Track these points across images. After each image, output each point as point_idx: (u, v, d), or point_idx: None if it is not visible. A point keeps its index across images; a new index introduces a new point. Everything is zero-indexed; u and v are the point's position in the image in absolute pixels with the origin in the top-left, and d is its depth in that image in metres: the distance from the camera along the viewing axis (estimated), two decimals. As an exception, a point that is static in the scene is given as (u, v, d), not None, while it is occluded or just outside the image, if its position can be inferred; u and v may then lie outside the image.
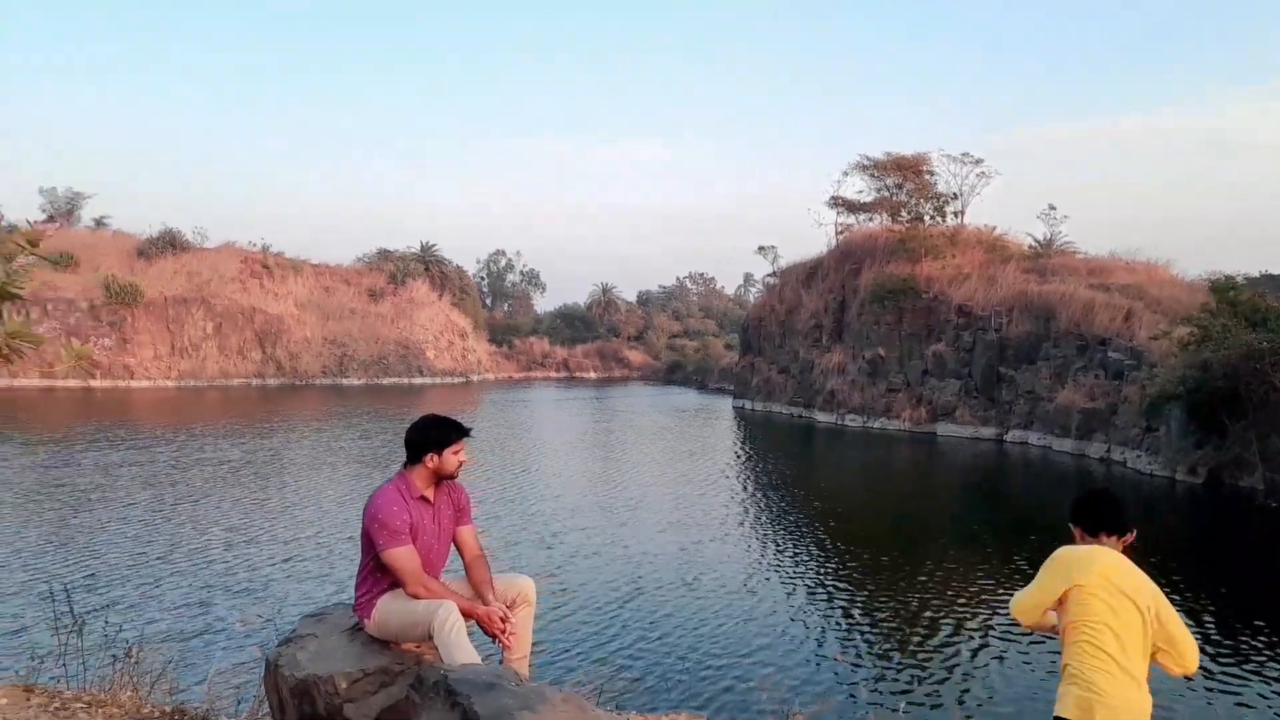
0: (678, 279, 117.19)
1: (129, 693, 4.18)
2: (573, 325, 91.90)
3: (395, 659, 3.62)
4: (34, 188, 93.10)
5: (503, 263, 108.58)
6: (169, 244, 64.25)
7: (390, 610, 3.71)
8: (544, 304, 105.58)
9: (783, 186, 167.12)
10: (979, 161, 42.99)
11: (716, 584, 14.09)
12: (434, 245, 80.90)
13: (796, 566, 15.51)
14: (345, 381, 64.04)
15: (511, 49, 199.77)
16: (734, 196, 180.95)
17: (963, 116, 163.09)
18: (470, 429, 4.08)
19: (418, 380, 66.97)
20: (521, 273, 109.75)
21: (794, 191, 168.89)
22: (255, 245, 68.29)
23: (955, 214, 43.69)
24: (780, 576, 14.82)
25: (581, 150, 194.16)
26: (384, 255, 78.31)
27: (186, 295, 61.27)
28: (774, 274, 57.64)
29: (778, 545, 17.17)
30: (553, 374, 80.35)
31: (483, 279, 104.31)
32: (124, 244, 64.07)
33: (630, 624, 11.95)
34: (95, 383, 54.30)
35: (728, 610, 12.70)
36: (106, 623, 6.19)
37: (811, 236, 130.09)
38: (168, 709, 4.01)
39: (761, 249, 60.49)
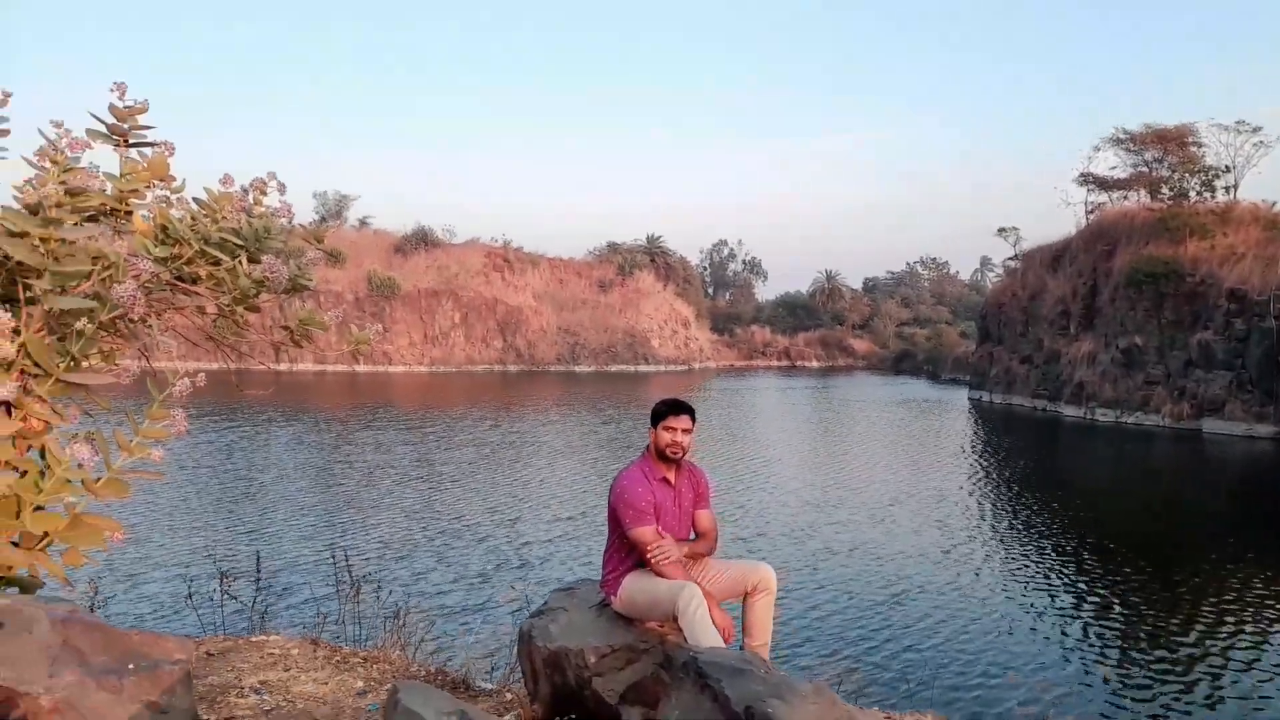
0: (908, 264, 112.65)
1: (398, 652, 4.54)
2: (795, 313, 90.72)
3: (640, 637, 3.70)
4: (309, 191, 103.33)
5: (725, 252, 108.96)
6: (422, 241, 69.60)
7: (635, 589, 3.78)
8: (766, 292, 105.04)
9: (1025, 165, 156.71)
10: (1256, 129, 38.26)
11: (971, 588, 13.42)
12: (659, 237, 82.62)
13: (1056, 574, 14.47)
14: (577, 368, 66.81)
15: (731, 47, 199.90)
16: (971, 177, 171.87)
17: (1238, 85, 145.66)
18: (687, 405, 4.02)
19: (643, 368, 68.72)
20: (744, 261, 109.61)
21: (1037, 170, 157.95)
22: (497, 241, 72.81)
23: (1226, 189, 39.09)
24: (1040, 584, 13.89)
25: (811, 134, 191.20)
26: (613, 248, 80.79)
27: (437, 288, 66.17)
28: (1015, 257, 54.10)
29: (1037, 550, 16.07)
30: (774, 362, 79.78)
31: (705, 268, 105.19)
32: (384, 242, 70.01)
33: (877, 620, 11.63)
34: (359, 367, 59.74)
35: (983, 615, 12.07)
36: (379, 587, 6.80)
37: (1057, 217, 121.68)
38: (431, 669, 4.32)
39: (1001, 231, 56.47)
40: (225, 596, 5.05)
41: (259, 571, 5.73)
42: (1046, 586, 13.68)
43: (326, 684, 3.98)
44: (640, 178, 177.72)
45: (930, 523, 17.74)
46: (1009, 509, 20.10)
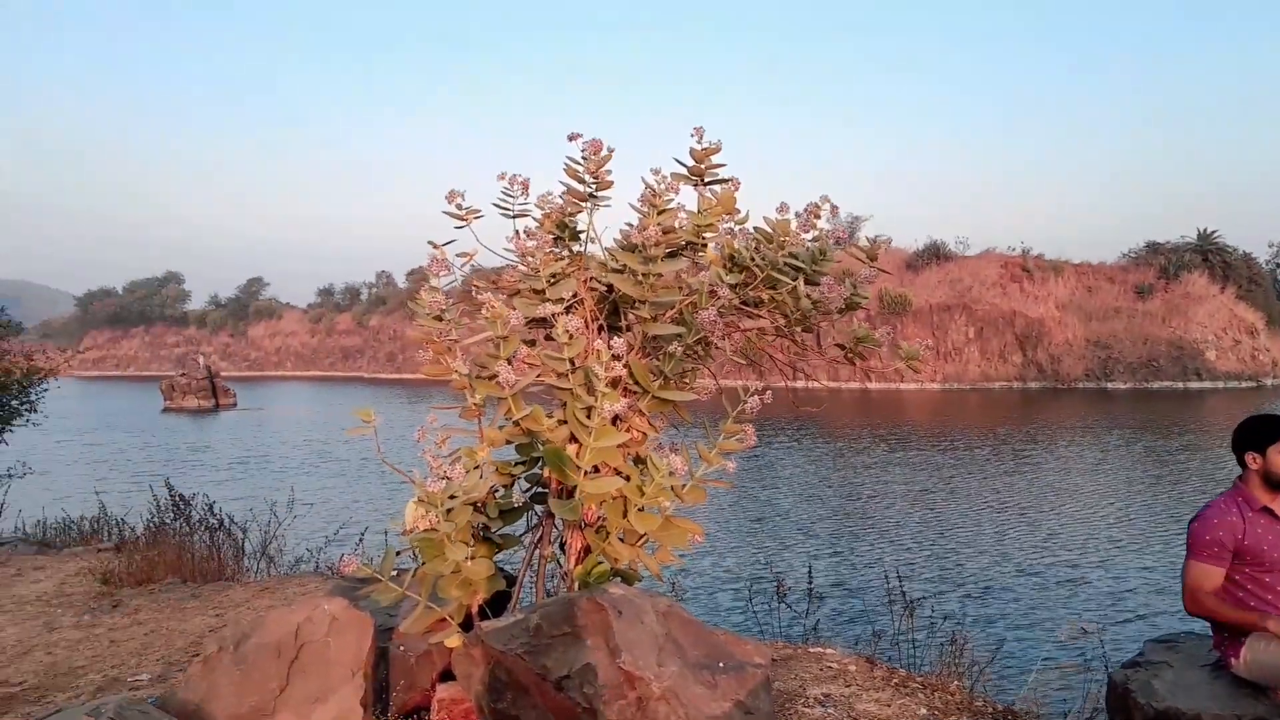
0: None
1: (956, 682, 4.32)
2: None
3: (1274, 708, 3.04)
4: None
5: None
6: (934, 255, 68.50)
7: (1263, 650, 3.12)
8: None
9: None
10: None
11: None
12: (1214, 232, 70.88)
13: None
14: (1109, 385, 60.06)
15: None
16: None
17: None
18: None
19: (1193, 384, 59.33)
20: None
21: None
22: (1014, 249, 68.86)
23: None
24: None
25: None
26: (1153, 249, 71.42)
27: (949, 302, 64.44)
28: None
29: None
30: (1381, 377, 63.49)
31: (1277, 266, 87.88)
32: (895, 258, 70.11)
33: None
34: (871, 385, 60.30)
35: None
36: (932, 612, 6.60)
37: None
38: (999, 707, 4.03)
39: None
40: (782, 605, 5.28)
41: (810, 582, 5.92)
42: None
43: (889, 706, 3.91)
44: (1187, 167, 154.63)
45: None
46: None
